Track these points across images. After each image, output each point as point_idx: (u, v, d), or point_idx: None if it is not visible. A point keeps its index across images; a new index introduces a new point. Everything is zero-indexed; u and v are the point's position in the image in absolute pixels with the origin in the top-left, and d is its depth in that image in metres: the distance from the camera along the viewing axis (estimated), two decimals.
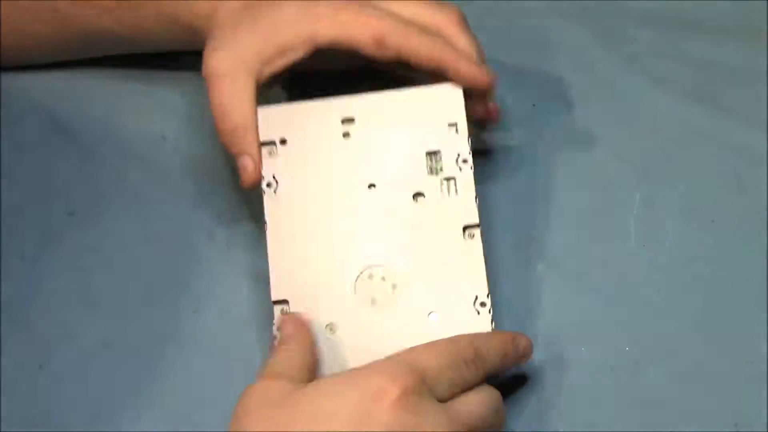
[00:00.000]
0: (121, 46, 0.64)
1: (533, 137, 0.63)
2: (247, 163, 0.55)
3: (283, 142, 0.55)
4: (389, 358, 0.47)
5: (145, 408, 0.54)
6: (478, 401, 0.48)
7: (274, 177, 0.55)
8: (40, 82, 0.68)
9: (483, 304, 0.52)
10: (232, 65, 0.55)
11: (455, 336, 0.49)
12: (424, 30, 0.55)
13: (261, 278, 0.58)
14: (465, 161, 0.55)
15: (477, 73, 0.55)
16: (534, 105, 0.64)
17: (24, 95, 0.67)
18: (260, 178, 0.55)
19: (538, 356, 0.54)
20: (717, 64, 0.64)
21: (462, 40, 0.56)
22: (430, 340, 0.48)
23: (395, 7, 0.55)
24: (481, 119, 0.58)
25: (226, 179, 0.61)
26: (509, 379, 0.54)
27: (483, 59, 0.57)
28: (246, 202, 0.60)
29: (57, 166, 0.64)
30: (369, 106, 0.55)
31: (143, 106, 0.66)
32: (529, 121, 0.64)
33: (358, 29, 0.54)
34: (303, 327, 0.51)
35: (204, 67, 0.56)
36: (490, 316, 0.52)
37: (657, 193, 0.60)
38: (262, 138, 0.55)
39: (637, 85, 0.64)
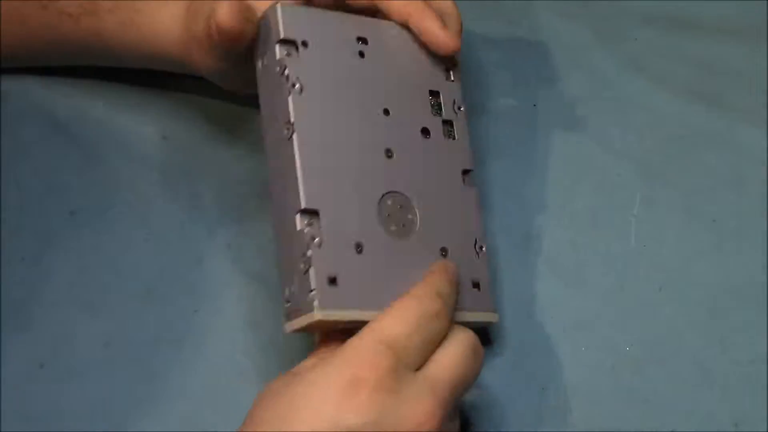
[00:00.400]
0: (110, 60, 0.64)
1: (533, 137, 0.63)
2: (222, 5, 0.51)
3: (304, 44, 0.51)
4: (359, 338, 0.46)
5: (145, 408, 0.54)
6: (453, 354, 0.47)
7: (298, 78, 0.50)
8: (40, 82, 0.68)
9: (481, 248, 0.53)
10: None
11: (417, 289, 0.48)
12: None
13: (261, 278, 0.58)
14: (460, 108, 0.55)
15: (441, 37, 0.53)
16: (534, 105, 0.64)
17: (24, 95, 0.67)
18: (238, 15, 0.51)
19: (538, 356, 0.54)
20: (717, 64, 0.64)
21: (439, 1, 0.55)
22: None
23: None
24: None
25: (226, 179, 0.61)
26: (509, 381, 0.54)
27: (458, 23, 0.55)
28: (246, 202, 0.60)
29: (57, 166, 0.64)
30: (381, 32, 0.54)
31: (143, 106, 0.66)
32: (529, 120, 0.64)
33: None
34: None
35: None
36: (486, 259, 0.53)
37: (657, 193, 0.60)
38: (284, 35, 0.51)
39: (637, 85, 0.64)
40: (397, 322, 0.46)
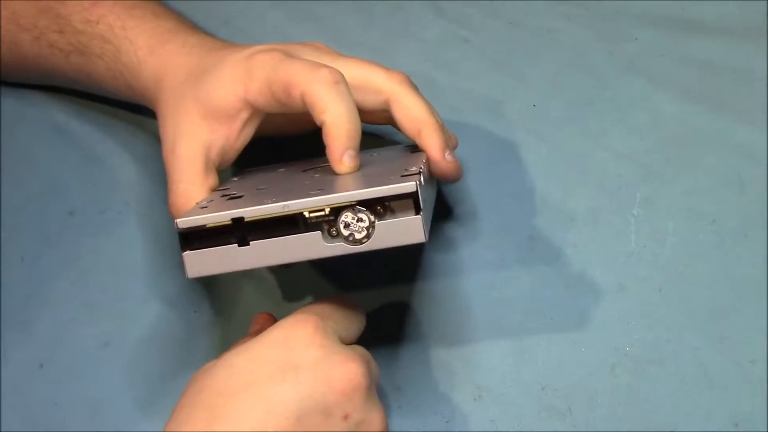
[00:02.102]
0: (64, 78, 0.64)
1: (533, 137, 0.63)
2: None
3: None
4: (293, 313, 0.50)
5: (145, 408, 0.54)
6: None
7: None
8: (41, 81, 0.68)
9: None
10: (185, 144, 0.54)
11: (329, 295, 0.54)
12: (339, 79, 0.52)
13: (261, 278, 0.58)
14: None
15: (337, 163, 0.52)
16: (534, 105, 0.64)
17: (24, 96, 0.67)
18: None
19: (537, 356, 0.54)
20: (717, 64, 0.64)
21: (408, 101, 0.54)
22: None
23: (341, 68, 0.53)
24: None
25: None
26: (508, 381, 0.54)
27: (433, 114, 0.55)
28: None
29: (57, 166, 0.64)
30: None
31: (143, 106, 0.66)
32: (529, 121, 0.64)
33: (276, 80, 0.52)
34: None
35: (162, 152, 0.55)
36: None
37: (657, 193, 0.60)
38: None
39: (637, 85, 0.64)
40: (323, 303, 0.51)
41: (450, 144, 0.55)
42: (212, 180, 0.54)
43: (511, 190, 0.61)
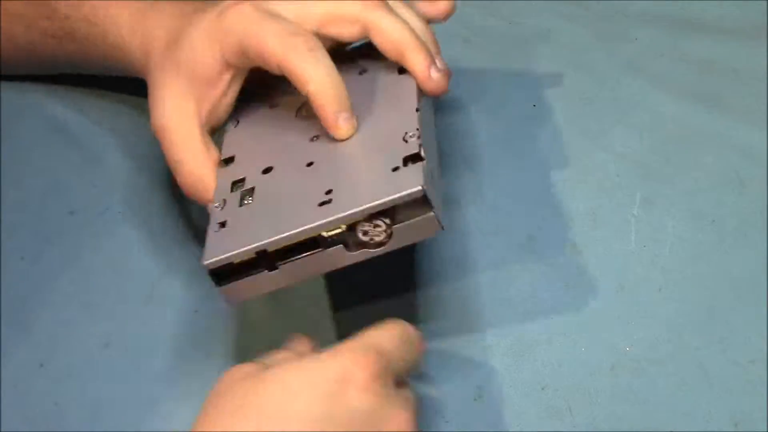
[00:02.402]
0: (60, 64, 0.64)
1: (533, 137, 0.63)
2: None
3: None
4: (350, 341, 0.47)
5: (144, 408, 0.54)
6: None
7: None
8: (40, 82, 0.68)
9: (412, 136, 0.50)
10: (171, 117, 0.55)
11: (392, 321, 0.49)
12: (313, 46, 0.52)
13: None
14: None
15: (331, 128, 0.52)
16: (534, 105, 0.64)
17: (24, 95, 0.67)
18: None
19: (538, 356, 0.54)
20: (717, 64, 0.64)
21: (384, 25, 0.53)
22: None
23: (312, 6, 0.53)
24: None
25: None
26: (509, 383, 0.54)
27: (413, 34, 0.53)
28: None
29: (57, 166, 0.64)
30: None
31: (143, 106, 0.66)
32: (529, 121, 0.64)
33: (250, 45, 0.52)
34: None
35: (151, 124, 0.56)
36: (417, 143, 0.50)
37: (657, 193, 0.60)
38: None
39: (637, 85, 0.64)
40: (386, 334, 0.48)
41: (433, 57, 0.54)
42: (213, 151, 0.55)
43: (511, 190, 0.61)
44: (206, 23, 0.54)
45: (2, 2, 0.62)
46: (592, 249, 0.58)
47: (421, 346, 0.50)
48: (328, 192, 0.49)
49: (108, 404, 0.55)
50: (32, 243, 0.61)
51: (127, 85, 0.67)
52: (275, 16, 0.53)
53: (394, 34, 0.53)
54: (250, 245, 0.48)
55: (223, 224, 0.51)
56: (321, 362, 0.46)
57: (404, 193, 0.47)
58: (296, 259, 0.49)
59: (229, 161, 0.54)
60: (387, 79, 0.54)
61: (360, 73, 0.56)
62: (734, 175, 0.60)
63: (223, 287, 0.49)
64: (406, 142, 0.50)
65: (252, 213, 0.50)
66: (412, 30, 0.53)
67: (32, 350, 0.57)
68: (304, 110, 0.55)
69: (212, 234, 0.50)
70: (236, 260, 0.49)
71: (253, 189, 0.52)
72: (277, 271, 0.49)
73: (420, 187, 0.47)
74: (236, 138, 0.56)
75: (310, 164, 0.52)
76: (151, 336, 0.57)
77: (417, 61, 0.53)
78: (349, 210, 0.47)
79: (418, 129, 0.50)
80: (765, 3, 0.67)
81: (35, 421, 0.54)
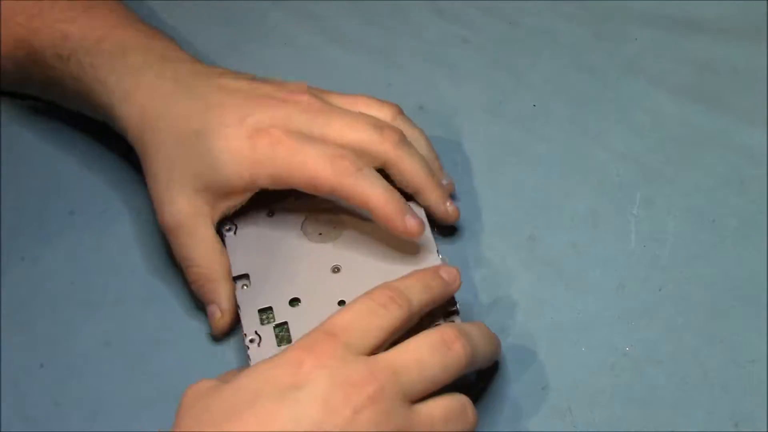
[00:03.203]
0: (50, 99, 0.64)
1: (533, 137, 0.63)
2: (214, 311, 0.56)
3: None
4: (313, 332, 0.47)
5: (144, 408, 0.54)
6: (408, 345, 0.48)
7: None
8: None
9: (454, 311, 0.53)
10: (186, 216, 0.56)
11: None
12: (362, 164, 0.54)
13: None
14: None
15: (402, 231, 0.54)
16: (534, 105, 0.64)
17: (24, 95, 0.67)
18: (228, 327, 0.56)
19: (538, 356, 0.54)
20: (717, 64, 0.64)
21: (405, 164, 0.56)
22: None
23: (336, 132, 0.55)
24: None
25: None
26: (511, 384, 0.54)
27: (429, 171, 0.57)
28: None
29: (57, 166, 0.64)
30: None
31: None
32: (529, 121, 0.64)
33: (295, 174, 0.54)
34: None
35: (158, 219, 0.56)
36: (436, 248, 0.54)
37: (657, 193, 0.60)
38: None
39: (637, 85, 0.64)
40: (342, 313, 0.48)
41: (447, 193, 0.58)
42: (224, 255, 0.56)
43: (511, 190, 0.61)
44: (235, 144, 0.55)
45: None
46: (592, 249, 0.58)
47: (398, 311, 0.49)
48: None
49: (108, 404, 0.55)
50: (32, 243, 0.61)
51: None
52: (310, 140, 0.54)
53: (411, 174, 0.56)
54: None
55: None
56: (272, 359, 0.47)
57: None
58: None
59: (241, 278, 0.55)
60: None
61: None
62: (734, 175, 0.60)
63: None
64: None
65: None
66: (427, 168, 0.57)
67: (32, 350, 0.57)
68: (310, 226, 0.57)
69: None
70: None
71: (285, 324, 0.53)
72: None
73: None
74: (241, 250, 0.56)
75: (341, 303, 0.53)
76: (151, 336, 0.57)
77: (432, 199, 0.57)
78: None
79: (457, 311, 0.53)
80: (765, 3, 0.66)
81: (35, 421, 0.54)
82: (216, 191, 0.55)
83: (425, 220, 0.56)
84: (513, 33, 0.68)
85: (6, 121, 0.66)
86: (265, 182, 0.55)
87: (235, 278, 0.55)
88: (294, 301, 0.54)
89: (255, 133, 0.55)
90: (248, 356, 0.52)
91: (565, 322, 0.55)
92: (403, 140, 0.56)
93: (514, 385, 0.53)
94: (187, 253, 0.56)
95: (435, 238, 0.56)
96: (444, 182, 0.59)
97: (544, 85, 0.65)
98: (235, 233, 0.57)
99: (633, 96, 0.64)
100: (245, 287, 0.55)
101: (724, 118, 0.62)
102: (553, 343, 0.55)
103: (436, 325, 0.52)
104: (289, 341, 0.53)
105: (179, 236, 0.56)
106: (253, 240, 0.57)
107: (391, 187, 0.55)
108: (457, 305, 0.53)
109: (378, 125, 0.56)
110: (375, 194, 0.54)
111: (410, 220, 0.54)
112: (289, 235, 0.57)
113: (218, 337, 0.56)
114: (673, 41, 0.66)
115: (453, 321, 0.52)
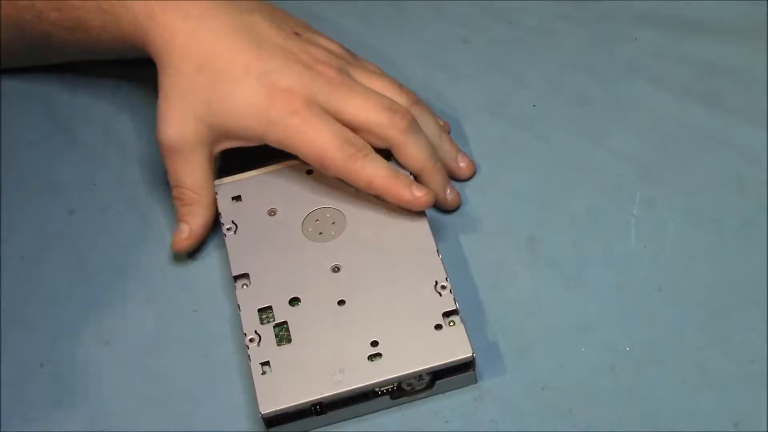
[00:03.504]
0: (70, 52, 0.64)
1: (533, 137, 0.63)
2: (183, 229, 0.58)
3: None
4: None
5: (145, 408, 0.54)
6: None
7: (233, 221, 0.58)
8: (41, 82, 0.68)
9: (443, 287, 0.54)
10: (186, 141, 0.57)
11: None
12: (369, 149, 0.57)
13: None
14: None
15: (410, 201, 0.56)
16: (534, 105, 0.64)
17: (24, 95, 0.67)
18: (189, 249, 0.58)
19: (538, 357, 0.54)
20: (717, 64, 0.64)
21: (409, 150, 0.58)
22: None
23: (351, 110, 0.57)
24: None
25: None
26: (510, 385, 0.54)
27: (432, 158, 0.58)
28: None
29: (57, 166, 0.64)
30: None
31: (143, 106, 0.66)
32: (529, 121, 0.64)
33: (303, 146, 0.56)
34: None
35: (158, 134, 0.58)
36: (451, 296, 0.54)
37: (657, 193, 0.60)
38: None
39: (637, 85, 0.64)
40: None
41: (448, 180, 0.60)
42: (212, 188, 0.59)
43: (511, 190, 0.61)
44: (254, 98, 0.57)
45: None
46: (592, 249, 0.58)
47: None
48: (374, 343, 0.52)
49: (108, 404, 0.55)
50: (32, 243, 0.61)
51: (127, 85, 0.67)
52: (324, 117, 0.56)
53: (414, 160, 0.58)
54: (307, 398, 0.51)
55: (265, 363, 0.52)
56: None
57: (456, 358, 0.51)
58: (346, 406, 0.52)
59: (241, 277, 0.55)
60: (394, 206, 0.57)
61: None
62: (734, 175, 0.60)
63: (273, 429, 0.52)
64: (440, 294, 0.53)
65: (296, 356, 0.52)
66: (431, 155, 0.58)
67: (32, 349, 0.57)
68: (310, 225, 0.57)
69: (259, 377, 0.52)
70: (292, 410, 0.51)
71: (285, 324, 0.53)
72: (325, 415, 0.52)
73: (470, 354, 0.51)
74: (241, 249, 0.57)
75: (341, 302, 0.54)
76: (151, 336, 0.57)
77: (434, 183, 0.58)
78: (403, 371, 0.51)
79: (447, 279, 0.54)
80: (765, 3, 0.66)
81: (35, 421, 0.54)
82: (222, 132, 0.57)
83: (429, 229, 0.56)
84: (513, 33, 0.68)
85: (6, 120, 0.66)
86: (272, 142, 0.57)
87: (235, 278, 0.55)
88: (294, 301, 0.54)
89: (275, 93, 0.56)
90: (248, 356, 0.52)
91: (565, 322, 0.55)
92: (411, 126, 0.58)
93: (514, 385, 0.53)
94: (180, 177, 0.58)
95: (435, 237, 0.56)
96: (462, 164, 0.60)
97: (544, 85, 0.65)
98: (235, 232, 0.57)
99: (633, 96, 0.64)
100: (245, 286, 0.55)
101: (724, 118, 0.62)
102: (553, 343, 0.55)
103: (436, 325, 0.52)
104: (289, 341, 0.53)
105: (176, 159, 0.58)
106: (254, 239, 0.57)
107: (396, 169, 0.57)
108: (457, 305, 0.53)
109: (391, 108, 0.58)
110: (379, 176, 0.56)
111: (418, 191, 0.56)
112: (289, 234, 0.57)
113: (177, 253, 0.59)
114: (673, 41, 0.66)
115: (453, 321, 0.52)
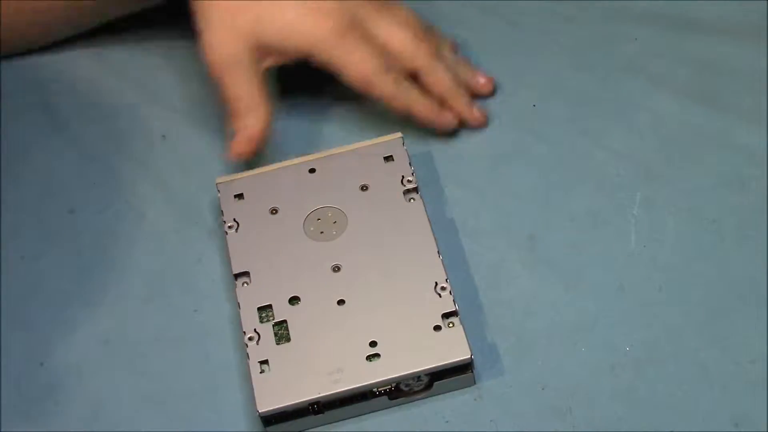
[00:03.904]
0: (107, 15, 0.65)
1: (533, 137, 0.63)
2: (243, 135, 0.60)
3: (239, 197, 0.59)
4: None
5: (145, 408, 0.54)
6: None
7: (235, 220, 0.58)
8: (41, 81, 0.68)
9: (443, 288, 0.54)
10: (237, 56, 0.59)
11: None
12: (401, 78, 0.61)
13: None
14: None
15: (436, 119, 0.62)
16: (534, 105, 0.64)
17: (24, 95, 0.67)
18: (250, 155, 0.59)
19: (538, 356, 0.54)
20: (717, 64, 0.64)
21: (438, 74, 0.62)
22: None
23: (384, 33, 0.61)
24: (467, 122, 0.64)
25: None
26: (511, 385, 0.54)
27: (455, 80, 0.62)
28: None
29: (57, 165, 0.64)
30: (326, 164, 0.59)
31: (143, 105, 0.66)
32: (529, 121, 0.64)
33: (351, 67, 0.60)
34: None
35: (209, 55, 0.59)
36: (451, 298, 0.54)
37: (657, 193, 0.60)
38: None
39: (637, 85, 0.64)
40: None
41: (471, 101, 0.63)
42: (268, 95, 0.61)
43: (511, 190, 0.61)
44: (303, 15, 0.59)
45: None
46: (592, 249, 0.58)
47: None
48: (373, 344, 0.52)
49: (108, 404, 0.55)
50: (32, 242, 0.61)
51: (127, 85, 0.67)
52: (366, 41, 0.60)
53: (439, 84, 0.62)
54: (305, 398, 0.51)
55: (264, 362, 0.52)
56: None
57: (454, 360, 0.51)
58: (343, 406, 0.52)
59: (242, 275, 0.56)
60: (393, 203, 0.57)
61: (362, 189, 0.58)
62: (734, 175, 0.60)
63: (271, 428, 0.52)
64: (439, 295, 0.53)
65: (295, 355, 0.52)
66: (455, 80, 0.63)
67: (32, 349, 0.57)
68: (311, 224, 0.57)
69: (257, 376, 0.52)
70: (290, 410, 0.51)
71: (284, 323, 0.53)
72: (322, 414, 0.52)
73: (469, 356, 0.51)
74: (242, 247, 0.57)
75: (341, 302, 0.54)
76: (151, 335, 0.57)
77: (458, 106, 0.63)
78: (401, 372, 0.51)
79: (447, 280, 0.54)
80: (765, 3, 0.66)
81: (35, 421, 0.54)
82: (271, 48, 0.60)
83: (429, 227, 0.56)
84: (513, 33, 0.68)
85: (6, 120, 0.66)
86: (317, 62, 0.60)
87: (236, 276, 0.55)
88: (294, 300, 0.54)
89: (321, 13, 0.59)
90: (247, 354, 0.52)
91: (564, 322, 0.55)
92: (436, 53, 0.62)
93: (514, 385, 0.53)
94: (236, 90, 0.59)
95: (435, 238, 0.56)
96: (482, 81, 0.64)
97: (544, 85, 0.65)
98: (236, 231, 0.57)
99: (633, 96, 0.64)
100: (245, 285, 0.55)
101: (724, 118, 0.62)
102: (553, 343, 0.55)
103: (435, 326, 0.52)
104: (288, 340, 0.53)
105: (230, 74, 0.59)
106: (255, 238, 0.57)
107: (424, 98, 0.61)
108: (456, 307, 0.53)
109: (418, 36, 0.62)
110: (413, 99, 0.61)
111: (446, 115, 0.62)
112: (290, 233, 0.57)
113: (238, 159, 0.60)
114: (673, 41, 0.66)
115: (452, 323, 0.52)
